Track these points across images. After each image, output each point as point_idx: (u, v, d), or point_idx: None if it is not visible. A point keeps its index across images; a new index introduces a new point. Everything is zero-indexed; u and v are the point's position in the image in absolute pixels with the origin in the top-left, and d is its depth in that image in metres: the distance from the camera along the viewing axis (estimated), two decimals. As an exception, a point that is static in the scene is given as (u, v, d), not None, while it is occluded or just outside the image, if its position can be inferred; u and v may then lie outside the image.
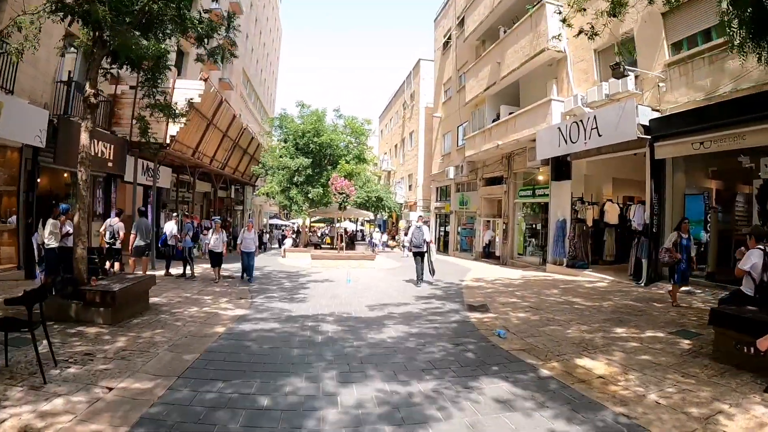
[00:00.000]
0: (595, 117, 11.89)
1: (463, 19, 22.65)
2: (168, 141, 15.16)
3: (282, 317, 7.00)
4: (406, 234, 30.48)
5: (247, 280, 11.29)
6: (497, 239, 18.20)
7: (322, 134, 20.08)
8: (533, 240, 16.36)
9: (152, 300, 8.08)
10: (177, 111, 11.57)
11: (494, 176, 18.98)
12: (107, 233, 10.72)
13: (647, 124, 10.77)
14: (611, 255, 14.49)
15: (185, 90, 15.33)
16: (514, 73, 16.55)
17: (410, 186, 34.15)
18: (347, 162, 20.34)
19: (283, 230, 36.79)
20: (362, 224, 46.75)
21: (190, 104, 15.43)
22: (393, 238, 34.47)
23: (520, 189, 16.87)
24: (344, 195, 15.66)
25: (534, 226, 16.35)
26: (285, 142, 21.86)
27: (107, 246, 10.81)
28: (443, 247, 26.32)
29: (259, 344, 5.37)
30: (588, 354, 4.96)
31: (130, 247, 11.46)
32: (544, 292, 9.53)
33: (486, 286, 10.63)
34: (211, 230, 13.85)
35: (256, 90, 41.11)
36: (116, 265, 10.86)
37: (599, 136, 11.74)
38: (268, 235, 26.61)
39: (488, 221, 19.64)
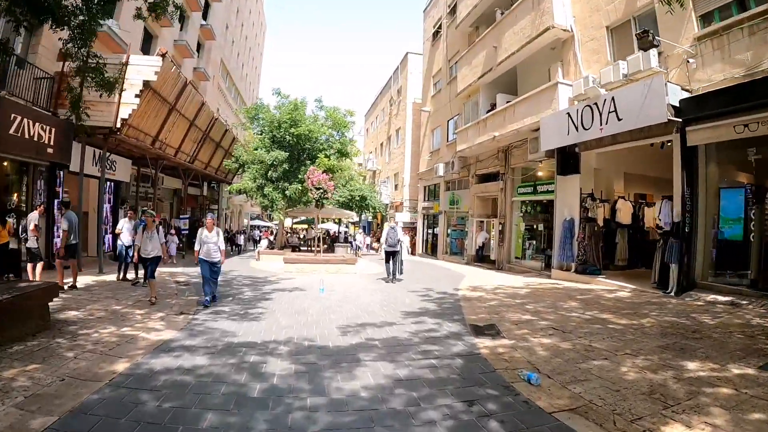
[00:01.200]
0: (613, 99, 10.25)
1: (454, 5, 21.04)
2: (118, 125, 13.08)
3: (218, 346, 5.07)
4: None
5: (204, 303, 7.58)
6: (492, 242, 16.48)
7: (299, 125, 18.13)
8: (534, 242, 14.67)
9: (64, 315, 6.14)
10: (111, 79, 9.58)
11: (489, 172, 17.29)
12: (21, 228, 8.65)
13: (677, 105, 9.17)
14: (623, 259, 12.90)
15: (139, 66, 13.26)
16: (512, 58, 14.91)
17: (396, 186, 32.37)
18: (327, 157, 18.41)
19: (261, 231, 34.69)
20: (347, 226, 44.86)
21: (146, 84, 13.40)
22: (378, 240, 32.61)
23: (518, 186, 15.18)
24: (321, 190, 13.76)
25: (535, 226, 14.67)
26: (261, 134, 19.85)
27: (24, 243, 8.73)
28: (431, 250, 24.55)
29: (160, 399, 3.43)
30: (676, 416, 3.17)
31: (60, 248, 9.30)
32: (561, 306, 7.76)
33: (487, 297, 8.83)
34: (140, 228, 11.87)
35: (237, 85, 38.93)
36: (38, 267, 8.67)
37: (619, 120, 10.10)
38: (243, 236, 24.36)
39: (482, 222, 17.94)
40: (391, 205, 32.06)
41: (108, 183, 16.25)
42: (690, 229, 9.19)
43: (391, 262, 11.82)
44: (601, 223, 12.26)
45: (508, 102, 15.00)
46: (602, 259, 12.11)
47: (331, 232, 33.66)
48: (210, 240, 7.71)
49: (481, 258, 17.47)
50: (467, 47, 18.60)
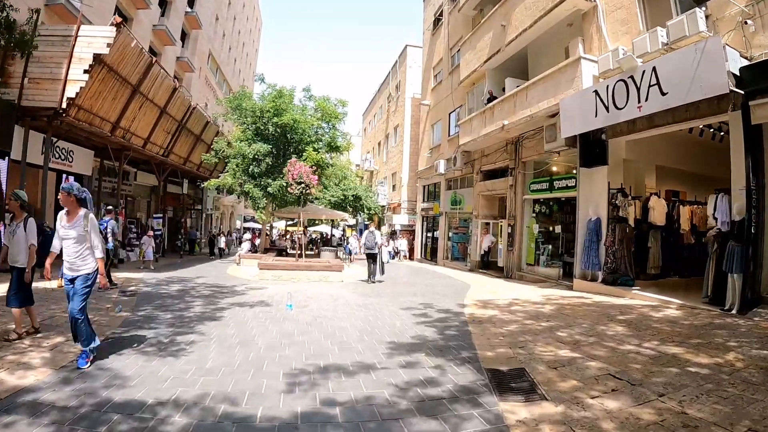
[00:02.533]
0: (654, 70, 8.31)
1: (457, -13, 19.19)
2: (64, 105, 11.16)
3: (84, 406, 3.12)
4: (392, 240, 26.85)
5: (79, 360, 4.09)
6: (500, 246, 14.49)
7: (283, 114, 16.18)
8: (549, 247, 12.67)
9: None
10: (26, 37, 7.65)
11: (495, 168, 15.32)
12: None
13: (736, 74, 7.25)
14: (656, 267, 10.91)
15: (90, 38, 11.36)
16: (524, 36, 13.02)
17: (394, 186, 30.42)
18: (316, 150, 16.46)
19: (251, 234, 32.57)
20: (344, 229, 42.85)
21: (98, 58, 11.49)
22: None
23: (531, 182, 13.21)
24: (303, 185, 11.80)
25: (550, 228, 12.68)
26: (243, 125, 17.91)
27: None
28: (430, 255, 22.54)
29: None
30: None
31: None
32: (604, 332, 5.77)
33: (503, 318, 6.82)
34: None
35: (229, 81, 37.09)
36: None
37: (663, 94, 8.16)
38: (224, 239, 22.30)
39: (487, 224, 15.96)
40: (389, 206, 30.09)
41: (64, 176, 14.37)
42: (757, 229, 7.23)
43: (371, 263, 12.05)
44: (631, 223, 10.28)
45: (518, 87, 13.05)
46: (634, 266, 10.14)
47: (326, 235, 31.64)
48: (69, 235, 4.17)
49: (487, 264, 15.48)
50: (471, 31, 16.70)
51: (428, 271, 16.79)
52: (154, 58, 14.20)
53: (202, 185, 25.86)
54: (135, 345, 4.92)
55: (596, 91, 9.67)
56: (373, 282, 11.77)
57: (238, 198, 20.92)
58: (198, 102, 21.33)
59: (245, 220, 48.73)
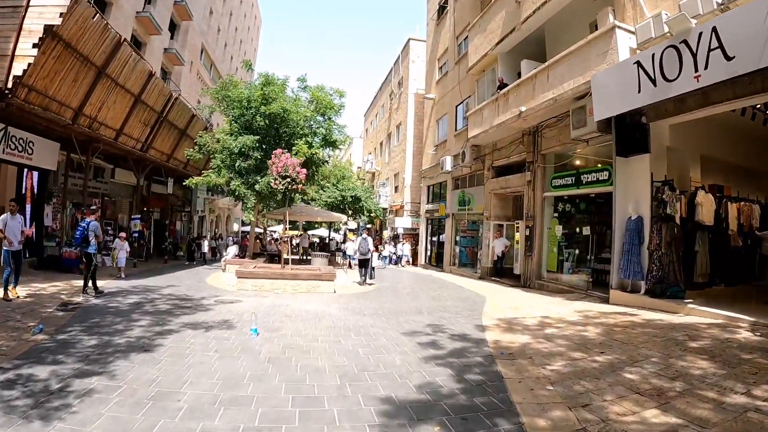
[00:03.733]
0: (715, 30, 6.61)
1: (464, -31, 17.62)
2: (10, 85, 9.57)
3: None
4: (393, 245, 25.17)
5: None
6: (516, 251, 12.74)
7: (271, 102, 14.53)
8: (575, 251, 10.91)
9: None
10: None
11: (510, 162, 13.61)
12: None
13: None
14: (704, 274, 9.16)
15: (41, 8, 9.77)
16: (543, 10, 11.39)
17: (396, 188, 28.73)
18: (309, 144, 14.79)
19: (236, 237, 30.79)
20: (345, 233, 41.20)
21: (51, 31, 9.91)
22: (377, 249, 28.90)
23: (553, 176, 11.48)
24: (288, 180, 10.12)
25: (577, 230, 10.91)
26: (227, 116, 16.28)
27: None
28: (436, 260, 20.79)
29: None
30: None
31: None
32: (686, 370, 4.05)
33: (540, 348, 5.07)
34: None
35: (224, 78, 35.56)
36: None
37: (728, 59, 6.45)
38: (207, 242, 20.47)
39: (500, 226, 14.22)
40: (391, 209, 28.39)
41: (25, 170, 12.79)
42: None
43: (364, 267, 12.76)
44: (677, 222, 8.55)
45: (537, 68, 11.36)
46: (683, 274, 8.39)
47: (324, 240, 29.94)
48: None
49: (500, 271, 13.72)
50: (480, 13, 15.06)
51: (434, 279, 15.04)
52: (123, 37, 12.59)
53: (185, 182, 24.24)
54: (5, 393, 3.23)
55: (639, 63, 7.96)
56: (369, 284, 12.36)
57: (229, 198, 19.31)
58: (188, 97, 19.77)
59: (244, 224, 47.09)
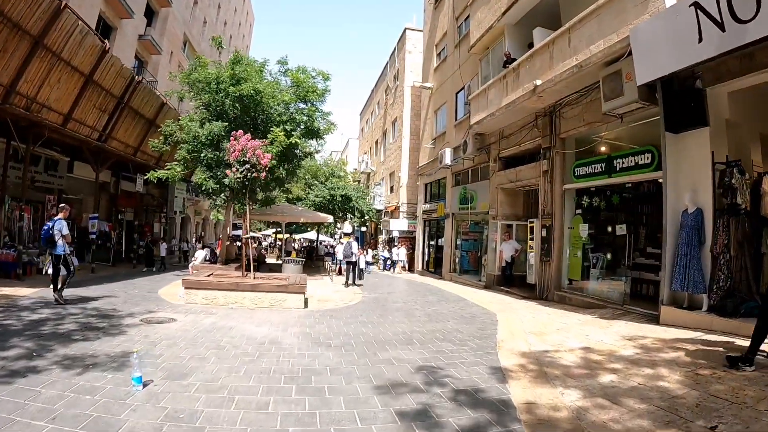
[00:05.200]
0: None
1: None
2: None
3: None
4: (389, 249, 23.11)
5: None
6: (529, 255, 10.67)
7: (242, 82, 12.52)
8: (605, 256, 8.83)
9: None
10: None
11: (521, 151, 11.59)
12: None
13: None
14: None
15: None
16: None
17: (392, 188, 26.70)
18: (287, 132, 12.76)
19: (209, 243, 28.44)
20: (340, 237, 39.14)
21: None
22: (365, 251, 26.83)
23: (575, 164, 9.44)
24: (247, 166, 8.09)
25: (608, 229, 8.83)
26: (197, 102, 14.27)
27: None
28: (434, 266, 18.72)
29: None
30: None
31: None
32: None
33: (604, 419, 2.99)
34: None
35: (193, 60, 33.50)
36: None
37: None
38: (165, 245, 17.74)
39: (509, 226, 12.16)
40: (386, 210, 26.34)
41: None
42: None
43: (349, 270, 13.17)
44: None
45: (556, 32, 9.37)
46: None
47: (313, 244, 27.83)
48: None
49: (510, 279, 11.65)
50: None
51: (432, 288, 12.94)
52: (65, 2, 10.61)
53: (172, 182, 22.14)
54: None
55: (697, 4, 5.95)
56: (358, 285, 12.88)
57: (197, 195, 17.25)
58: (168, 89, 17.70)
59: (235, 227, 44.99)
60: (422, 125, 21.20)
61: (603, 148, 9.32)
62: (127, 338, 5.39)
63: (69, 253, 7.61)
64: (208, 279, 8.26)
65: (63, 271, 7.47)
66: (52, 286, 7.55)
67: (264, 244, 38.91)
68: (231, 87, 12.49)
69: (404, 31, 26.86)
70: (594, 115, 8.83)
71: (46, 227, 7.68)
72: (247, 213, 8.96)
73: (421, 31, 24.37)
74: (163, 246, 15.43)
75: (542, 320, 6.94)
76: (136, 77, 14.82)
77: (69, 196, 16.14)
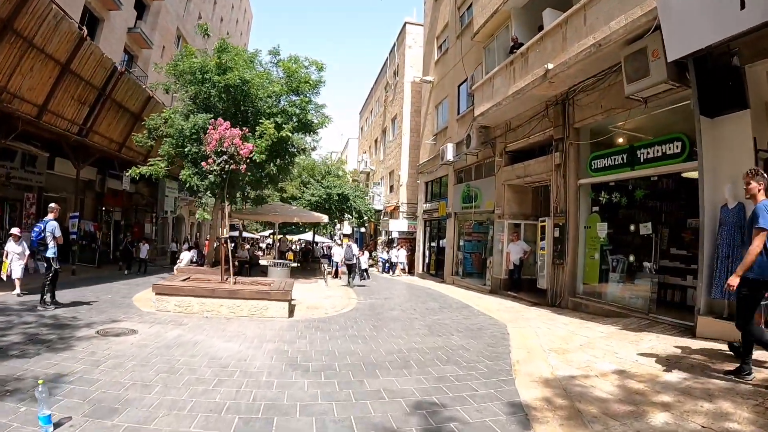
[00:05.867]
0: None
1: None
2: None
3: None
4: (387, 251, 22.23)
5: None
6: (540, 257, 9.76)
7: (228, 71, 11.65)
8: (626, 259, 7.91)
9: None
10: None
11: (530, 144, 10.69)
12: None
13: None
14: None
15: None
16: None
17: (391, 187, 25.82)
18: (278, 125, 11.90)
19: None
20: (340, 238, 38.26)
21: None
22: (370, 255, 25.95)
23: (592, 156, 8.54)
24: (225, 157, 7.21)
25: (631, 228, 7.88)
26: (184, 95, 13.41)
27: None
28: (435, 269, 17.82)
29: None
30: None
31: None
32: None
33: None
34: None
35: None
36: None
37: None
38: (146, 247, 16.56)
39: (517, 226, 11.25)
40: (385, 211, 25.45)
41: None
42: None
43: (350, 271, 13.78)
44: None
45: (569, 10, 8.48)
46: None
47: (308, 245, 26.94)
48: None
49: (517, 283, 10.73)
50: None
51: (432, 293, 12.03)
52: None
53: (160, 181, 21.25)
54: None
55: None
56: (361, 285, 13.34)
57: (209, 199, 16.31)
58: (155, 84, 16.80)
59: (234, 228, 44.13)
60: (422, 121, 20.33)
61: (620, 140, 8.44)
62: (70, 355, 4.53)
63: (54, 256, 7.28)
64: (181, 284, 7.36)
65: (42, 271, 7.16)
66: (48, 294, 7.12)
67: (262, 245, 38.11)
68: (216, 76, 11.61)
69: (404, 25, 26.03)
70: (613, 101, 7.94)
71: (37, 229, 7.39)
72: (226, 211, 8.08)
73: (422, 25, 23.56)
74: (144, 247, 14.51)
75: (560, 333, 6.03)
76: (119, 68, 13.97)
77: (50, 194, 15.29)
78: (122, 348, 4.89)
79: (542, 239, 9.56)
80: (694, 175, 6.70)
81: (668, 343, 5.23)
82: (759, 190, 3.97)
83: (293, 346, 5.08)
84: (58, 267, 7.18)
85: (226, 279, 7.82)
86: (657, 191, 7.75)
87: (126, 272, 13.99)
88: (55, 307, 7.01)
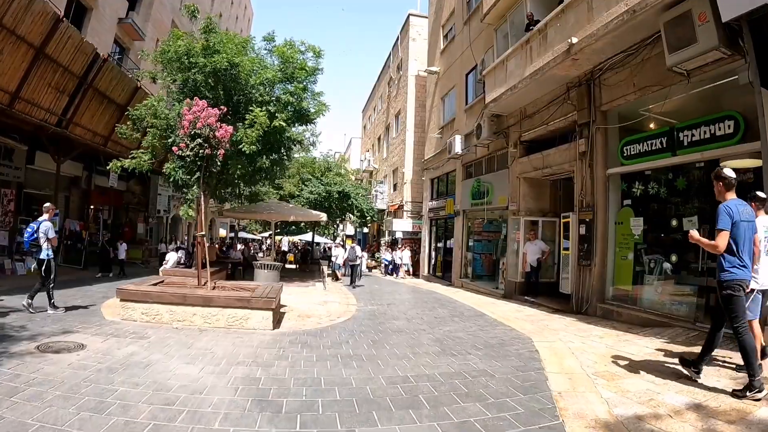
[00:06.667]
0: None
1: None
2: None
3: None
4: (390, 251, 21.21)
5: None
6: (561, 258, 8.67)
7: (215, 54, 10.65)
8: (666, 259, 6.80)
9: None
10: None
11: (549, 132, 9.61)
12: None
13: None
14: None
15: None
16: None
17: (395, 186, 24.79)
18: (271, 114, 10.88)
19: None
20: (343, 239, 37.20)
21: None
22: (373, 256, 24.97)
23: (624, 142, 7.47)
24: (199, 141, 6.19)
25: (673, 223, 6.78)
26: (172, 83, 12.41)
27: None
28: (441, 271, 16.76)
29: None
30: None
31: None
32: None
33: None
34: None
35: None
36: None
37: None
38: (124, 247, 15.22)
39: (534, 223, 10.16)
40: (388, 210, 24.41)
41: None
42: None
43: (353, 272, 13.89)
44: None
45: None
46: None
47: (312, 246, 25.89)
48: None
49: (535, 287, 9.64)
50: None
51: (441, 298, 10.94)
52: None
53: (151, 178, 20.27)
54: None
55: None
56: (356, 286, 13.09)
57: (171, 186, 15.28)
58: (139, 73, 15.87)
59: (236, 229, 43.10)
60: (428, 115, 19.28)
61: (651, 125, 7.36)
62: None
63: (53, 257, 6.89)
64: (150, 289, 6.34)
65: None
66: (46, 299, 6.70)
67: (263, 246, 37.04)
68: (202, 59, 10.61)
69: (408, 17, 25.09)
70: (648, 78, 6.88)
71: (30, 229, 7.01)
72: (202, 204, 7.06)
73: (426, 16, 22.59)
74: (122, 247, 13.42)
75: (598, 349, 4.96)
76: (102, 54, 13.03)
77: (30, 190, 14.38)
78: (54, 370, 3.88)
79: (566, 238, 8.48)
80: (747, 163, 5.67)
81: (734, 362, 4.16)
82: (719, 191, 3.80)
83: (268, 372, 4.01)
84: (53, 270, 6.74)
85: (204, 283, 6.79)
86: (704, 181, 6.67)
87: (99, 275, 12.82)
88: (61, 310, 6.68)
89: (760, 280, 3.93)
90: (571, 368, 4.15)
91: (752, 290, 3.82)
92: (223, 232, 40.81)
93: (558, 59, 8.01)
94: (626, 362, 4.36)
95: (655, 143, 6.80)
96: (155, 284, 6.90)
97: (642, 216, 7.11)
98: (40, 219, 7.02)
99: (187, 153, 6.28)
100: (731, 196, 3.72)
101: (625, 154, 7.34)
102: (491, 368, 4.29)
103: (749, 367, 3.28)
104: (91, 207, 18.00)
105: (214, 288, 6.71)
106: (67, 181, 16.55)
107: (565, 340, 5.41)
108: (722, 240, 3.50)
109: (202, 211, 7.03)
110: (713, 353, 3.90)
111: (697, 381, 3.68)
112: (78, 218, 16.99)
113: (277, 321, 6.49)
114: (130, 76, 14.73)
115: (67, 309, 6.98)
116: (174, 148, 6.74)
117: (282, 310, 7.67)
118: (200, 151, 6.22)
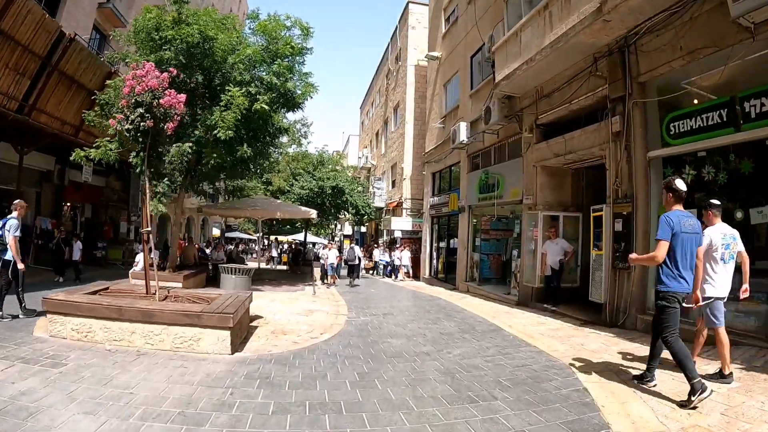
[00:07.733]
0: None
1: None
2: None
3: None
4: (389, 251, 19.95)
5: None
6: (599, 260, 7.33)
7: (186, 26, 9.33)
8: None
9: None
10: None
11: (571, 112, 8.27)
12: None
13: None
14: None
15: None
16: None
17: (393, 182, 23.48)
18: (252, 96, 9.56)
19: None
20: (341, 240, 35.87)
21: None
22: (369, 257, 23.60)
23: (670, 117, 6.13)
24: (141, 111, 4.88)
25: (737, 215, 5.45)
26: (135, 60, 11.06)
27: None
28: (444, 273, 15.44)
29: None
30: None
31: None
32: None
33: None
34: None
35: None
36: None
37: None
38: (79, 246, 13.41)
39: (554, 218, 8.80)
40: (387, 208, 23.09)
41: None
42: None
43: (352, 271, 14.24)
44: None
45: None
46: None
47: (304, 247, 24.55)
48: None
49: (555, 294, 8.28)
50: None
51: (445, 306, 9.55)
52: None
53: (131, 173, 18.88)
54: None
55: None
56: (355, 285, 13.27)
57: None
58: (111, 55, 14.60)
59: (229, 229, 41.72)
60: (429, 105, 17.98)
61: (695, 101, 6.03)
62: None
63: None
64: (81, 299, 5.01)
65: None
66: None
67: (256, 247, 35.67)
68: (171, 31, 9.31)
69: (407, 5, 23.77)
70: (699, 39, 5.57)
71: None
72: (147, 194, 5.78)
73: (426, 4, 21.33)
74: (77, 246, 11.95)
75: (665, 384, 3.64)
76: (68, 33, 11.72)
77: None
78: None
79: (597, 236, 7.14)
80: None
81: None
82: (667, 201, 3.74)
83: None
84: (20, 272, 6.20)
85: (153, 293, 5.47)
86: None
87: (57, 279, 11.40)
88: (27, 315, 6.23)
89: (717, 287, 3.88)
90: (646, 422, 2.83)
91: (710, 298, 3.86)
92: (216, 232, 39.44)
93: (585, 21, 6.68)
94: (710, 406, 3.05)
95: (712, 117, 5.48)
96: (93, 292, 5.56)
97: (695, 207, 5.79)
98: (8, 216, 6.47)
99: (126, 126, 4.98)
100: (678, 207, 3.65)
101: (671, 132, 6.02)
102: (532, 428, 2.94)
103: (685, 371, 3.23)
104: (66, 204, 16.72)
105: (165, 298, 5.39)
106: (38, 175, 15.22)
107: (615, 371, 4.09)
108: (660, 251, 3.46)
109: (147, 202, 5.74)
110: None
111: None
112: (51, 216, 15.68)
113: (242, 340, 5.17)
114: (102, 59, 13.41)
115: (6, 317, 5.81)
116: (111, 121, 5.45)
117: (255, 323, 6.35)
118: (141, 122, 4.92)
